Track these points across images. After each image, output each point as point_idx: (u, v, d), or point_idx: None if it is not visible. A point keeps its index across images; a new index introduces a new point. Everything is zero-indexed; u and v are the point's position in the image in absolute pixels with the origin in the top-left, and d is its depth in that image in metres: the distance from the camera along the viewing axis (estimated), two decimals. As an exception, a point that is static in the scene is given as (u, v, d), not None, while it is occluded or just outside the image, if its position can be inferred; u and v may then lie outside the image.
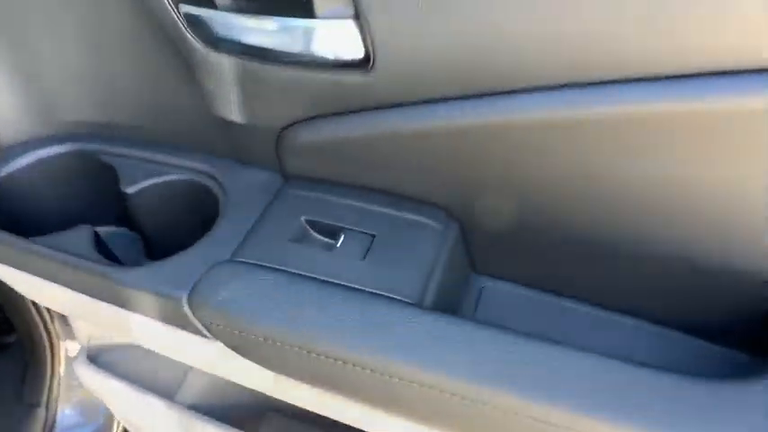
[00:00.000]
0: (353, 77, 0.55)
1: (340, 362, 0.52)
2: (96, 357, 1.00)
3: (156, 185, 0.72)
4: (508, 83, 0.48)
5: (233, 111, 0.64)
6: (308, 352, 0.53)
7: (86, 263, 0.62)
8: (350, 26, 0.52)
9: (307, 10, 0.53)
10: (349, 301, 0.54)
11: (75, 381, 1.36)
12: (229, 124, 0.66)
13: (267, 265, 0.59)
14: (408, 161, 0.60)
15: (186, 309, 0.58)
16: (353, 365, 0.51)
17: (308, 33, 0.55)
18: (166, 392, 0.96)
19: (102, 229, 0.78)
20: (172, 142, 0.74)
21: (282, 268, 0.58)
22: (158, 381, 0.97)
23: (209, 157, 0.72)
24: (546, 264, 0.65)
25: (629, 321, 0.62)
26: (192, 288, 0.57)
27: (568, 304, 0.66)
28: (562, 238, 0.59)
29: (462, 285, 0.69)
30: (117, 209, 0.75)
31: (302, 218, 0.64)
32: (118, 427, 1.35)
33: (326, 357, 0.52)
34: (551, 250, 0.62)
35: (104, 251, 0.69)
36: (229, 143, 0.70)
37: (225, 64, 0.60)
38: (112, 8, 0.61)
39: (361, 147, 0.60)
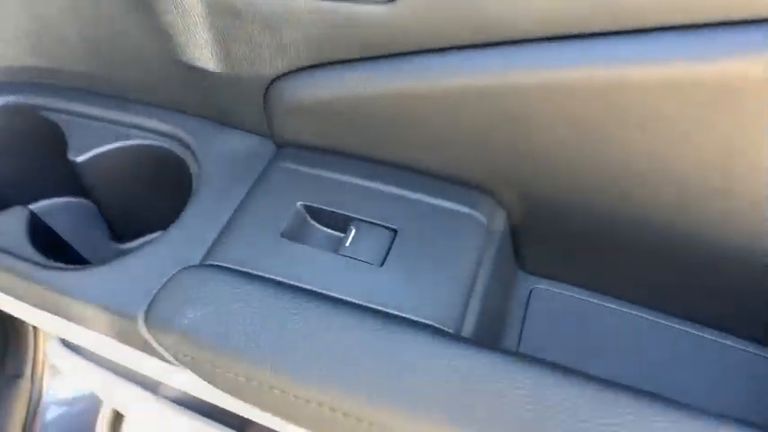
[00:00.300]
0: (370, 11, 0.38)
1: (353, 418, 0.37)
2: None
3: (111, 152, 0.55)
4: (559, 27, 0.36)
5: (206, 57, 0.48)
6: (307, 401, 0.38)
7: (13, 261, 0.47)
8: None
9: None
10: (362, 329, 0.39)
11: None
12: (203, 75, 0.49)
13: (252, 272, 0.43)
14: (440, 127, 0.43)
15: (143, 330, 0.43)
16: (371, 424, 0.37)
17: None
18: (149, 385, 0.84)
19: (48, 203, 0.63)
20: (132, 98, 0.57)
21: (272, 277, 0.43)
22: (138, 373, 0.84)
23: (179, 117, 0.56)
24: (604, 263, 0.51)
25: (691, 329, 0.53)
26: (151, 303, 0.42)
27: (625, 309, 0.54)
28: (624, 233, 0.46)
29: (509, 289, 0.53)
30: (66, 175, 0.59)
31: (298, 203, 0.48)
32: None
33: (333, 410, 0.37)
34: (611, 247, 0.48)
35: (45, 238, 0.54)
36: (204, 99, 0.53)
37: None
38: None
39: (378, 106, 0.44)
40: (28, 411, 1.22)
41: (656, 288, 0.52)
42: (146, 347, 0.45)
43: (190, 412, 0.86)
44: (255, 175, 0.51)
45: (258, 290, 0.41)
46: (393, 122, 0.45)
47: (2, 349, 1.27)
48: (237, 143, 0.54)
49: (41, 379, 1.26)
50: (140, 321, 0.43)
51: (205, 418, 0.87)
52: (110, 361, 0.84)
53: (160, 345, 0.42)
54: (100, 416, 1.20)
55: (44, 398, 1.25)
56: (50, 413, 1.24)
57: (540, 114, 0.40)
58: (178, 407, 0.87)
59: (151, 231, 0.65)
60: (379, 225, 0.46)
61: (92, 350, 0.57)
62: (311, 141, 0.50)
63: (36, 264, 0.47)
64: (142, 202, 0.60)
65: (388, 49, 0.41)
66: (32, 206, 0.65)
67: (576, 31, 0.36)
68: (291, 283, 0.42)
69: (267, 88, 0.48)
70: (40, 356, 1.26)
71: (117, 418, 1.18)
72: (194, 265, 0.44)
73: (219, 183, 0.51)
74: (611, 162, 0.41)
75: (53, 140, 0.58)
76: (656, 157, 0.40)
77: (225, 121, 0.55)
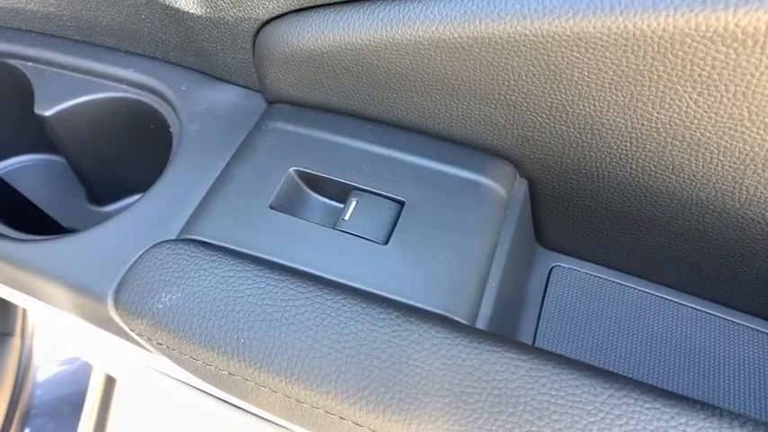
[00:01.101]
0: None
1: (351, 423, 0.32)
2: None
3: (82, 106, 0.49)
4: None
5: None
6: (297, 401, 0.33)
7: None
8: None
9: None
10: (361, 320, 0.33)
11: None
12: (184, 17, 0.42)
13: (235, 248, 0.38)
14: (454, 81, 0.37)
15: (113, 313, 0.37)
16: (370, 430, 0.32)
17: None
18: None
19: (13, 161, 0.57)
20: (105, 44, 0.50)
21: (259, 255, 0.37)
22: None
23: (157, 66, 0.49)
24: (631, 241, 0.46)
25: (722, 313, 0.49)
26: (121, 282, 0.37)
27: (650, 290, 0.49)
28: (655, 208, 0.41)
29: (528, 267, 0.48)
30: (36, 129, 0.53)
31: (291, 168, 0.41)
32: (101, 363, 1.23)
33: (328, 413, 0.32)
34: (639, 224, 0.43)
35: (10, 202, 0.48)
36: (186, 47, 0.47)
37: None
38: None
39: (382, 55, 0.37)
40: (18, 370, 1.19)
41: (684, 269, 0.46)
42: (118, 331, 0.40)
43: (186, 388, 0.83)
44: (243, 134, 0.45)
45: (243, 271, 0.35)
46: (399, 75, 0.38)
47: (-8, 308, 1.23)
48: (223, 97, 0.48)
49: (32, 338, 1.22)
50: (110, 302, 0.37)
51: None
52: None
53: (132, 330, 0.37)
54: (91, 379, 1.17)
55: (35, 358, 1.22)
56: (41, 373, 1.21)
57: (577, 70, 0.33)
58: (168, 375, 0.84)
59: (134, 192, 0.59)
60: (383, 196, 0.40)
61: (68, 326, 0.52)
62: (306, 97, 0.44)
63: None
64: (120, 160, 0.54)
65: None
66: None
67: None
68: (281, 262, 0.37)
69: (256, 33, 0.42)
70: (30, 315, 1.22)
71: (109, 382, 1.15)
72: (171, 240, 0.38)
73: (202, 142, 0.45)
74: (650, 129, 0.35)
75: (18, 91, 0.52)
76: (704, 123, 0.33)
77: (209, 71, 0.48)
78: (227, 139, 0.45)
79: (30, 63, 0.51)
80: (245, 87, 0.48)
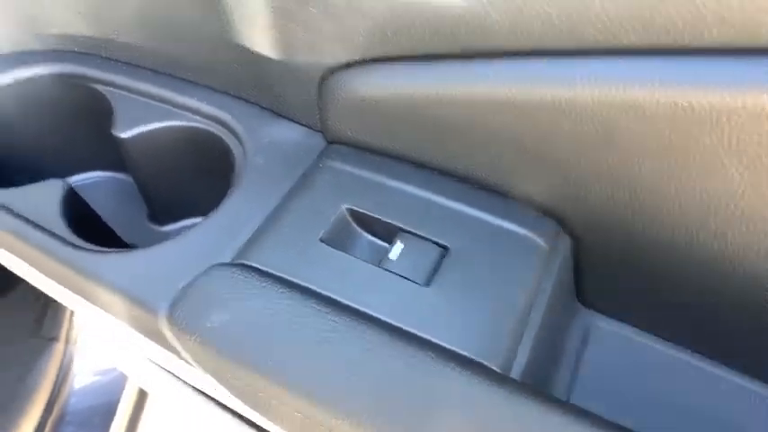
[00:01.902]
0: (448, 4, 0.34)
1: None
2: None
3: (157, 131, 0.53)
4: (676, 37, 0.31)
5: (262, 40, 0.44)
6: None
7: (42, 237, 0.45)
8: None
9: None
10: (398, 358, 0.34)
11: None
12: (257, 59, 0.46)
13: (285, 276, 0.40)
14: (511, 139, 0.39)
15: (164, 327, 0.40)
16: None
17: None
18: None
19: (86, 177, 0.61)
20: (182, 76, 0.54)
21: (306, 284, 0.39)
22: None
23: (228, 101, 0.53)
24: (677, 308, 0.45)
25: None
26: (176, 300, 0.39)
27: (692, 360, 0.48)
28: (705, 279, 0.41)
29: (566, 324, 0.48)
30: (109, 149, 0.57)
31: (344, 205, 0.44)
32: (136, 375, 1.26)
33: None
34: (687, 292, 0.43)
35: (80, 214, 0.52)
36: (256, 85, 0.50)
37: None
38: None
39: (443, 109, 0.40)
40: (58, 376, 1.23)
41: (732, 343, 0.46)
42: (165, 344, 0.42)
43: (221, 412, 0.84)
44: (302, 170, 0.47)
45: (291, 300, 0.37)
46: (455, 128, 0.41)
47: (41, 311, 1.28)
48: (286, 134, 0.51)
49: (74, 345, 1.26)
50: (162, 317, 0.40)
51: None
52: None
53: (181, 345, 0.39)
54: (124, 392, 1.19)
55: (74, 365, 1.26)
56: (78, 381, 1.24)
57: (626, 136, 0.35)
58: (203, 394, 0.85)
59: (191, 216, 0.62)
60: (428, 240, 0.41)
61: (115, 335, 0.55)
62: (363, 140, 0.46)
63: (65, 242, 0.45)
64: (184, 185, 0.58)
65: (461, 48, 0.37)
66: (71, 179, 0.64)
67: (694, 44, 0.31)
68: (327, 294, 0.39)
69: (323, 79, 0.45)
70: (76, 323, 1.27)
71: (141, 397, 1.17)
72: (226, 263, 0.41)
73: (263, 175, 0.48)
74: (695, 197, 0.36)
75: (99, 113, 0.56)
76: (748, 195, 0.34)
77: (276, 109, 0.52)
78: (286, 174, 0.47)
79: (111, 88, 0.55)
80: (307, 126, 0.51)
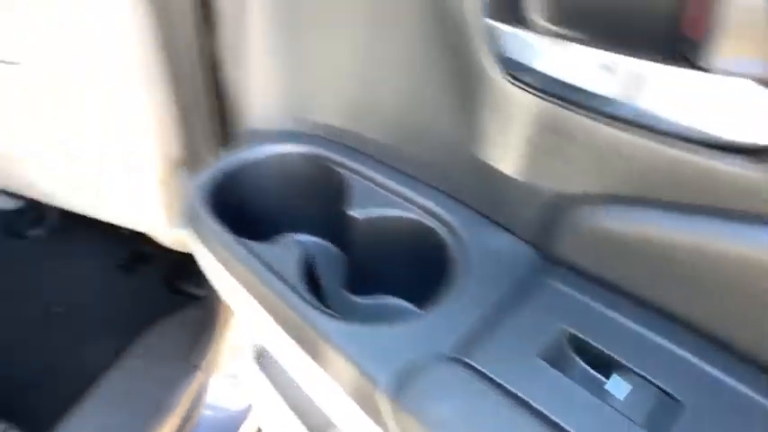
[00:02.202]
0: (729, 166, 0.36)
1: None
2: (263, 356, 0.93)
3: (388, 217, 0.59)
4: None
5: (508, 161, 0.49)
6: None
7: (287, 291, 0.51)
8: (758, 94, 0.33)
9: (683, 53, 0.35)
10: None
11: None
12: (495, 174, 0.50)
13: (504, 384, 0.42)
14: (760, 297, 0.38)
15: (383, 401, 0.43)
16: None
17: (672, 87, 0.38)
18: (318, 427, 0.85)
19: (309, 239, 0.69)
20: (411, 172, 0.61)
21: (523, 397, 0.41)
22: (313, 414, 0.86)
23: (455, 204, 0.58)
24: None
25: None
26: (399, 378, 0.43)
27: None
28: None
29: None
30: (332, 223, 0.64)
31: (564, 326, 0.45)
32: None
33: None
34: None
35: (308, 272, 0.59)
36: (482, 192, 0.55)
37: (520, 100, 0.46)
38: (402, 10, 0.50)
39: (693, 258, 0.40)
40: (191, 404, 1.30)
41: None
42: (375, 416, 0.45)
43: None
44: (512, 280, 0.50)
45: (510, 410, 0.39)
46: (700, 280, 0.41)
47: (193, 339, 1.38)
48: (501, 242, 0.54)
49: (212, 370, 1.33)
50: (382, 391, 0.43)
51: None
52: (292, 396, 0.87)
53: (396, 423, 0.42)
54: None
55: (208, 389, 1.33)
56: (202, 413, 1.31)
57: None
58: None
59: (383, 293, 0.67)
60: (654, 385, 0.41)
61: (306, 387, 0.60)
62: (591, 269, 0.48)
63: (305, 300, 0.50)
64: (389, 267, 0.63)
65: (724, 205, 0.38)
66: (298, 237, 0.72)
67: None
68: (546, 413, 0.40)
69: (565, 205, 0.48)
70: (219, 357, 1.35)
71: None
72: (450, 357, 0.44)
73: (478, 277, 0.51)
74: None
75: (333, 191, 0.64)
76: None
77: (493, 216, 0.56)
78: (498, 280, 0.50)
79: (349, 173, 0.63)
80: (521, 238, 0.54)
